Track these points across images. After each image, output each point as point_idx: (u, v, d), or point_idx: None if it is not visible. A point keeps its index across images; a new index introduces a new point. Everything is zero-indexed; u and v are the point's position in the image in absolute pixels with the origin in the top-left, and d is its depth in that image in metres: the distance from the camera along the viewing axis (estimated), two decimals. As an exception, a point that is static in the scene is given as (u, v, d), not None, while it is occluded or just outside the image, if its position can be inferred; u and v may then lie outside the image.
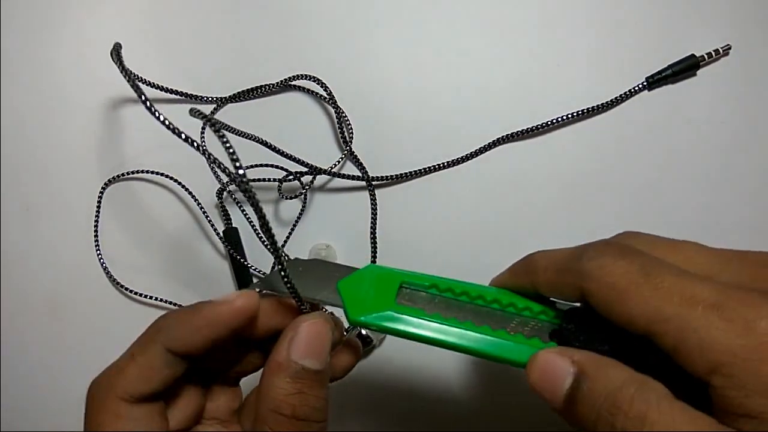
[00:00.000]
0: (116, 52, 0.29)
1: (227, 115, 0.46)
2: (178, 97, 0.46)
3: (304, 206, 0.44)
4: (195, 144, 0.24)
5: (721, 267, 0.21)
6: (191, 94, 0.46)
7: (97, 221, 0.45)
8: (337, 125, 0.45)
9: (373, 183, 0.44)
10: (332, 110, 0.45)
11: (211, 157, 0.24)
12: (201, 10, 0.48)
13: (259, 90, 0.46)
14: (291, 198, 0.43)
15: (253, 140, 0.42)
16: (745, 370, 0.17)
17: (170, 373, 0.24)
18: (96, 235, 0.45)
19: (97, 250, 0.45)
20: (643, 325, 0.19)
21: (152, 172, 0.45)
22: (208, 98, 0.46)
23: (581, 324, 0.23)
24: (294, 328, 0.24)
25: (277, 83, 0.46)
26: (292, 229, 0.44)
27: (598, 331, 0.22)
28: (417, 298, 0.26)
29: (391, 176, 0.44)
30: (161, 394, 0.24)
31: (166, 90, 0.46)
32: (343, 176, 0.44)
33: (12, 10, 0.48)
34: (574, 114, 0.43)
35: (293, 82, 0.46)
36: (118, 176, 0.46)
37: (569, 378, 0.20)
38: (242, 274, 0.43)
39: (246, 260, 0.43)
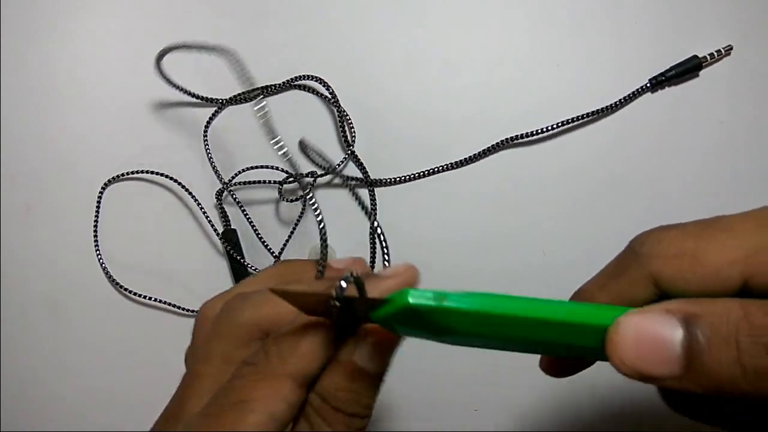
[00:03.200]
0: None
1: (230, 116, 0.46)
2: (181, 94, 0.46)
3: (303, 209, 0.44)
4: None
5: None
6: (192, 93, 0.46)
7: (96, 221, 0.45)
8: (339, 126, 0.45)
9: (374, 185, 0.44)
10: (335, 111, 0.45)
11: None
12: (203, 11, 0.48)
13: (262, 90, 0.46)
14: (292, 201, 0.43)
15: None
16: None
17: (330, 353, 0.22)
18: (96, 236, 0.45)
19: (96, 251, 0.45)
20: (737, 272, 0.16)
21: (152, 172, 0.45)
22: (211, 99, 0.46)
23: None
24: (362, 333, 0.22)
25: (280, 84, 0.46)
26: (293, 230, 0.44)
27: None
28: None
29: (392, 179, 0.44)
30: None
31: (172, 84, 0.45)
32: (344, 177, 0.44)
33: (12, 10, 0.48)
34: (578, 118, 0.43)
35: (296, 83, 0.46)
36: (118, 176, 0.46)
37: (678, 331, 0.16)
38: (241, 276, 0.43)
39: (245, 261, 0.43)
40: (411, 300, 0.19)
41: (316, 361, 0.21)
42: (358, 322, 0.22)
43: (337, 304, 0.19)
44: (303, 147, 0.35)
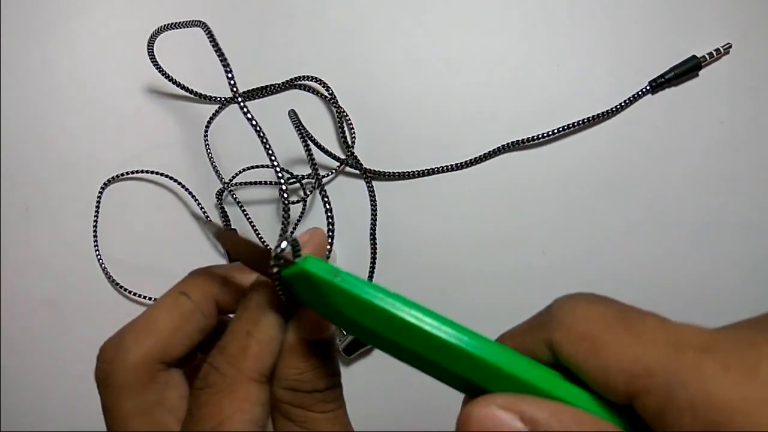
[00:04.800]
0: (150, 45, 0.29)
1: (231, 115, 0.46)
2: (184, 93, 0.46)
3: (303, 210, 0.44)
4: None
5: None
6: (195, 91, 0.46)
7: (96, 221, 0.45)
8: (338, 126, 0.45)
9: (371, 176, 0.44)
10: (334, 111, 0.45)
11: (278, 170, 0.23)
12: (206, 11, 0.48)
13: (263, 90, 0.46)
14: (293, 203, 0.43)
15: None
16: (751, 428, 0.13)
17: (281, 340, 0.22)
18: (95, 235, 0.45)
19: (96, 251, 0.45)
20: (623, 383, 0.15)
21: (152, 172, 0.45)
22: (212, 98, 0.46)
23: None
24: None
25: (281, 84, 0.45)
26: (293, 230, 0.44)
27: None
28: None
29: (391, 173, 0.44)
30: None
31: (178, 85, 0.45)
32: (342, 163, 0.44)
33: (12, 10, 0.48)
34: (580, 122, 0.43)
35: (296, 83, 0.46)
36: (118, 176, 0.46)
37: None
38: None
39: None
40: (308, 267, 0.19)
41: (269, 354, 0.21)
42: (294, 306, 0.22)
43: (276, 268, 0.20)
44: (293, 117, 0.34)
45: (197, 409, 0.20)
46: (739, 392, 0.13)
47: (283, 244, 0.20)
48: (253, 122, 0.23)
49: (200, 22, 0.30)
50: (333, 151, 0.44)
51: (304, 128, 0.41)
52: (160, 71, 0.43)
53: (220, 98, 0.46)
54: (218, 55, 0.23)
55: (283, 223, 0.26)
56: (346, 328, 0.20)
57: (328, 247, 0.44)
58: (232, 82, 0.21)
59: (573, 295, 0.18)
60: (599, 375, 0.16)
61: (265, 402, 0.21)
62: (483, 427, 0.16)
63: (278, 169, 0.25)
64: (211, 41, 0.24)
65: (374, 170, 0.44)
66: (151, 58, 0.42)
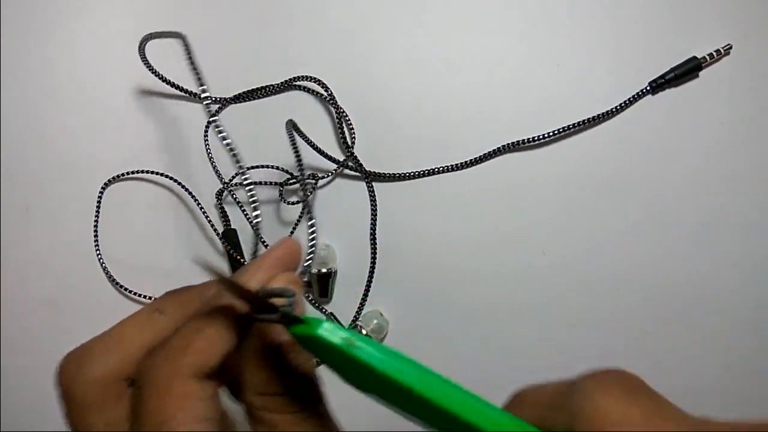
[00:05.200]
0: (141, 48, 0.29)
1: (230, 115, 0.46)
2: (182, 94, 0.46)
3: (303, 210, 0.44)
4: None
5: None
6: (194, 92, 0.46)
7: (96, 221, 0.45)
8: (338, 127, 0.45)
9: (372, 177, 0.44)
10: (334, 112, 0.45)
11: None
12: (205, 11, 0.48)
13: (262, 90, 0.46)
14: (292, 204, 0.43)
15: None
16: None
17: (234, 341, 0.21)
18: (96, 236, 0.45)
19: (96, 251, 0.45)
20: None
21: (152, 172, 0.45)
22: (211, 98, 0.46)
23: None
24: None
25: (280, 84, 0.45)
26: (293, 231, 0.44)
27: None
28: None
29: (391, 174, 0.44)
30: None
31: (174, 86, 0.45)
32: (344, 167, 0.44)
33: (12, 10, 0.48)
34: (580, 123, 0.43)
35: (296, 83, 0.46)
36: (118, 176, 0.46)
37: None
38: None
39: (245, 261, 0.43)
40: (320, 333, 0.19)
41: (216, 353, 0.20)
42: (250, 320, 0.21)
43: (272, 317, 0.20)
44: (290, 128, 0.34)
45: (139, 407, 0.20)
46: None
47: (286, 301, 0.20)
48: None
49: (179, 33, 0.29)
50: (333, 152, 0.44)
51: (302, 135, 0.41)
52: (158, 76, 0.43)
53: (220, 98, 0.46)
54: (192, 69, 0.23)
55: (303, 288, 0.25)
56: (354, 384, 0.20)
57: (327, 245, 0.44)
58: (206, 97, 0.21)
59: (600, 377, 0.18)
60: None
61: (210, 396, 0.20)
62: None
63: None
64: (187, 55, 0.24)
65: (374, 172, 0.44)
66: (145, 64, 0.42)
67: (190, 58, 0.27)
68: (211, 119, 0.42)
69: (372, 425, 0.42)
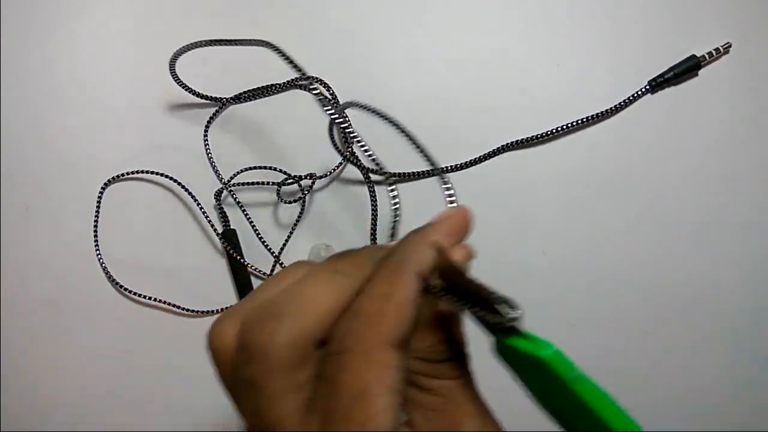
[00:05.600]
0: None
1: (231, 115, 0.46)
2: (182, 95, 0.46)
3: (302, 211, 0.44)
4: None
5: None
6: (197, 92, 0.46)
7: (96, 221, 0.45)
8: (339, 126, 0.45)
9: (372, 182, 0.44)
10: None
11: None
12: (205, 12, 0.48)
13: (263, 90, 0.45)
14: (290, 203, 0.43)
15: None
16: None
17: (418, 309, 0.21)
18: (96, 236, 0.45)
19: (96, 251, 0.45)
20: None
21: (152, 173, 0.45)
22: (212, 98, 0.46)
23: None
24: None
25: (280, 84, 0.45)
26: (291, 232, 0.44)
27: None
28: None
29: (394, 174, 0.44)
30: None
31: (180, 83, 0.45)
32: (387, 173, 0.44)
33: (12, 10, 0.48)
34: (579, 121, 0.43)
35: (297, 83, 0.46)
36: (118, 176, 0.46)
37: None
38: (241, 275, 0.43)
39: (245, 261, 0.43)
40: (550, 360, 0.19)
41: (408, 319, 0.20)
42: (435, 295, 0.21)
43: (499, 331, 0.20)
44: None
45: (336, 374, 0.19)
46: None
47: (514, 312, 0.19)
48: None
49: (263, 42, 0.29)
50: (332, 151, 0.44)
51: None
52: (182, 85, 0.43)
53: (220, 98, 0.46)
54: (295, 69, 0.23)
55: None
56: (534, 393, 0.21)
57: (327, 245, 0.44)
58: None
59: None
60: None
61: (404, 368, 0.20)
62: None
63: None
64: (283, 58, 0.23)
65: (375, 170, 0.44)
66: (174, 78, 0.43)
67: (290, 62, 0.27)
68: (210, 120, 0.42)
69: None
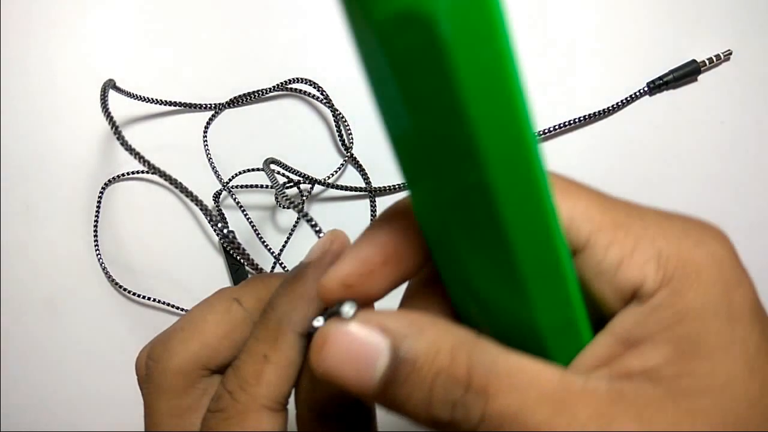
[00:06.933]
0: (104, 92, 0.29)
1: (224, 121, 0.46)
2: (174, 108, 0.46)
3: (299, 216, 0.44)
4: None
5: None
6: (187, 103, 0.46)
7: (96, 221, 0.45)
8: (336, 129, 0.45)
9: (375, 193, 0.44)
10: (330, 114, 0.45)
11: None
12: (197, 14, 0.48)
13: (256, 95, 0.45)
14: (288, 208, 0.43)
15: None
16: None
17: (300, 363, 0.20)
18: (96, 236, 0.45)
19: (96, 251, 0.45)
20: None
21: (152, 173, 0.45)
22: (204, 105, 0.46)
23: None
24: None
25: (274, 86, 0.45)
26: (290, 235, 0.44)
27: None
28: None
29: (394, 186, 0.44)
30: None
31: (162, 102, 0.45)
32: (346, 188, 0.44)
33: (12, 10, 0.48)
34: (576, 120, 0.43)
35: (290, 86, 0.45)
36: (118, 176, 0.46)
37: (383, 356, 0.15)
38: (240, 278, 0.43)
39: (244, 263, 0.43)
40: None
41: (286, 381, 0.20)
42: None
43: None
44: (268, 165, 0.34)
45: (213, 430, 0.20)
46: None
47: (348, 308, 0.17)
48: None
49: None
50: (331, 154, 0.44)
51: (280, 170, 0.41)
52: (109, 123, 0.43)
53: (213, 105, 0.46)
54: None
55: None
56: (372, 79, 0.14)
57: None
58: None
59: None
60: None
61: (281, 425, 0.20)
62: (345, 346, 0.16)
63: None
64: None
65: (377, 187, 0.44)
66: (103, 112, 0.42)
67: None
68: (209, 122, 0.42)
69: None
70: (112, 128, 0.26)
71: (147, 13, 0.48)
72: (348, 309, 0.16)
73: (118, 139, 0.25)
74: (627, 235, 0.17)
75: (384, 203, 0.44)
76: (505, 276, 0.15)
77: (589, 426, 0.14)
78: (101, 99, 0.31)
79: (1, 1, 0.48)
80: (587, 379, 0.15)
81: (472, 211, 0.14)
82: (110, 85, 0.38)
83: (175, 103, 0.45)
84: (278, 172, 0.39)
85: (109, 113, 0.28)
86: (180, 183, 0.44)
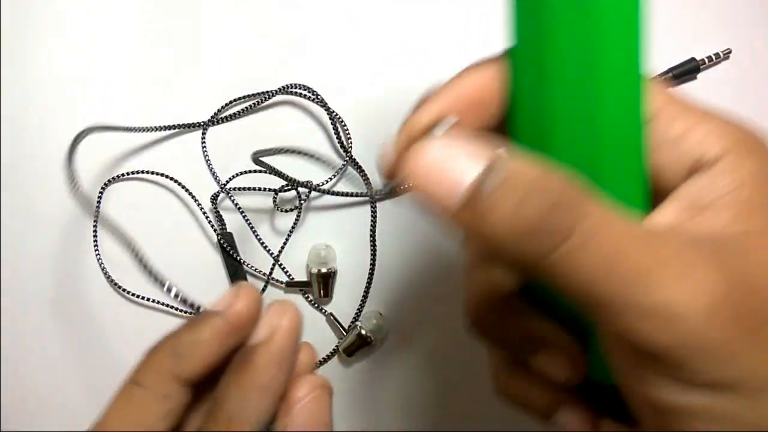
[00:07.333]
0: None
1: (220, 133, 0.46)
2: (167, 132, 0.46)
3: (297, 219, 0.44)
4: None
5: None
6: (178, 125, 0.46)
7: (96, 221, 0.45)
8: (333, 133, 0.45)
9: (376, 198, 0.44)
10: (327, 117, 0.45)
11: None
12: (192, 15, 0.48)
13: (251, 102, 0.45)
14: (286, 211, 0.43)
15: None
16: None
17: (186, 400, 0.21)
18: (95, 235, 0.45)
19: (96, 251, 0.45)
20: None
21: (152, 173, 0.46)
22: (196, 124, 0.46)
23: None
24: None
25: (268, 93, 0.45)
26: (287, 239, 0.44)
27: None
28: None
29: (395, 189, 0.44)
30: None
31: (152, 129, 0.46)
32: (346, 194, 0.44)
33: (12, 10, 0.48)
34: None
35: (286, 91, 0.45)
36: (118, 176, 0.46)
37: (481, 161, 0.16)
38: (237, 279, 0.43)
39: (242, 265, 0.43)
40: None
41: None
42: None
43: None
44: (258, 159, 0.34)
45: None
46: None
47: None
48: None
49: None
50: (329, 158, 0.44)
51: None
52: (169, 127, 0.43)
53: (204, 122, 0.46)
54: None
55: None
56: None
57: (327, 245, 0.44)
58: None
59: None
60: None
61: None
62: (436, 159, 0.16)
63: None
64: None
65: (377, 197, 0.44)
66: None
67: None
68: (207, 123, 0.42)
69: (372, 425, 0.42)
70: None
71: (147, 13, 0.48)
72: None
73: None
74: (691, 113, 0.18)
75: (384, 205, 0.44)
76: (588, 129, 0.17)
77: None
78: (69, 152, 0.32)
79: (1, 2, 0.48)
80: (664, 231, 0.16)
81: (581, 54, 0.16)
82: (84, 136, 0.38)
83: (163, 128, 0.45)
84: (269, 167, 0.39)
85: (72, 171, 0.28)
86: (180, 183, 0.44)
